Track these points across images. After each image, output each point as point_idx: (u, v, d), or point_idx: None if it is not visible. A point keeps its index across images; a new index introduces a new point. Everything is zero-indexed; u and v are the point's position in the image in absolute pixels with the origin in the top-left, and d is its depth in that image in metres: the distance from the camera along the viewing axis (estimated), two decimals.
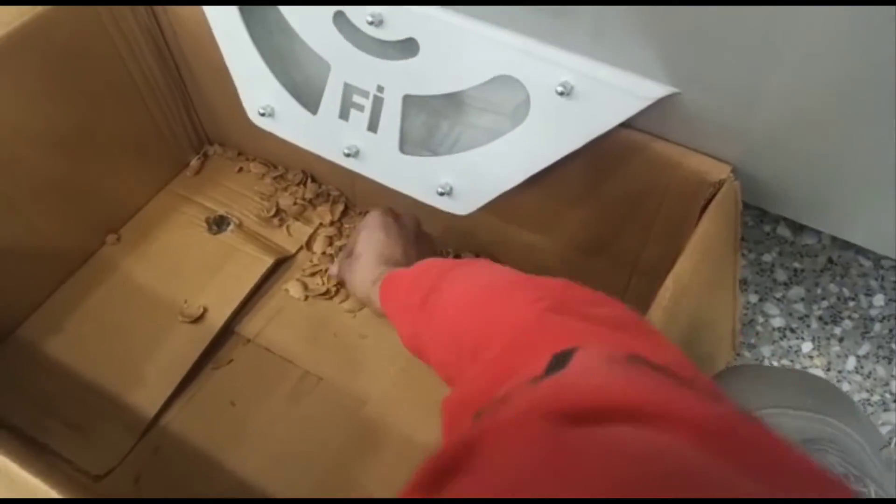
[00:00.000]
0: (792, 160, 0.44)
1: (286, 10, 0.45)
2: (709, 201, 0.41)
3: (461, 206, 0.45)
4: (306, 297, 0.62)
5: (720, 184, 0.41)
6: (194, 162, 0.70)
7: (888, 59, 0.33)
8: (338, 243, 0.64)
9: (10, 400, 0.55)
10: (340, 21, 0.43)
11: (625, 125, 0.41)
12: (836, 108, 0.38)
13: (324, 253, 0.64)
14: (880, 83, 0.35)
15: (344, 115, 0.46)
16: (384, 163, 0.46)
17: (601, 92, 0.37)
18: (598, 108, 0.38)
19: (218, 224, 0.66)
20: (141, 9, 0.57)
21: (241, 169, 0.70)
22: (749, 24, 0.34)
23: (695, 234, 0.39)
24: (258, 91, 0.49)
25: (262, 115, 0.49)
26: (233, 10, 0.46)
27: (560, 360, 0.21)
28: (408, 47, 0.42)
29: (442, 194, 0.44)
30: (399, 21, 0.42)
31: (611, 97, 0.37)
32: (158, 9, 0.57)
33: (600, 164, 0.43)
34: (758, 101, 0.38)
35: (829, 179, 0.46)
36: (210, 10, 0.48)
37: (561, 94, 0.38)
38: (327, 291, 0.62)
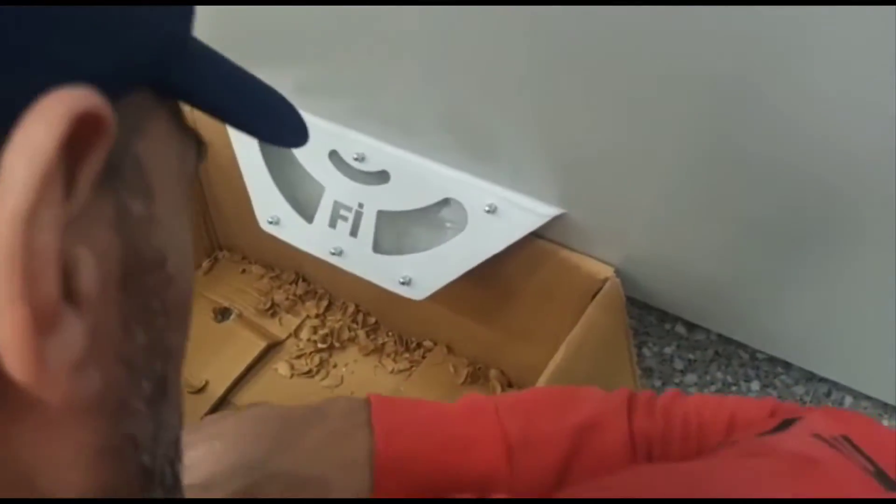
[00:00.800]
0: (667, 268, 0.59)
1: (296, 148, 0.61)
2: (596, 294, 0.56)
3: (417, 293, 0.59)
4: (292, 376, 0.74)
5: (604, 281, 0.55)
6: (206, 264, 0.84)
7: (729, 192, 0.48)
8: (321, 332, 0.77)
9: None
10: (334, 157, 0.60)
11: (538, 236, 0.56)
12: (697, 231, 0.53)
13: (309, 339, 0.77)
14: (730, 214, 0.50)
15: (332, 224, 0.61)
16: (361, 260, 0.61)
17: (514, 211, 0.53)
18: (513, 222, 0.54)
19: (222, 314, 0.79)
20: None
21: (244, 270, 0.84)
22: (616, 167, 0.50)
23: (583, 317, 0.53)
24: (268, 205, 0.64)
25: (270, 223, 0.64)
26: (254, 146, 0.63)
27: (785, 424, 0.30)
28: (382, 176, 0.59)
29: (403, 283, 0.59)
30: (376, 158, 0.58)
31: (520, 215, 0.53)
32: None
33: (521, 265, 0.58)
34: (628, 221, 0.54)
35: (707, 286, 0.61)
36: (237, 144, 0.64)
37: (488, 211, 0.54)
38: (309, 371, 0.75)
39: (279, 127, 0.24)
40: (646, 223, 0.53)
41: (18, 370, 0.14)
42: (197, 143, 0.22)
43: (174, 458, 0.22)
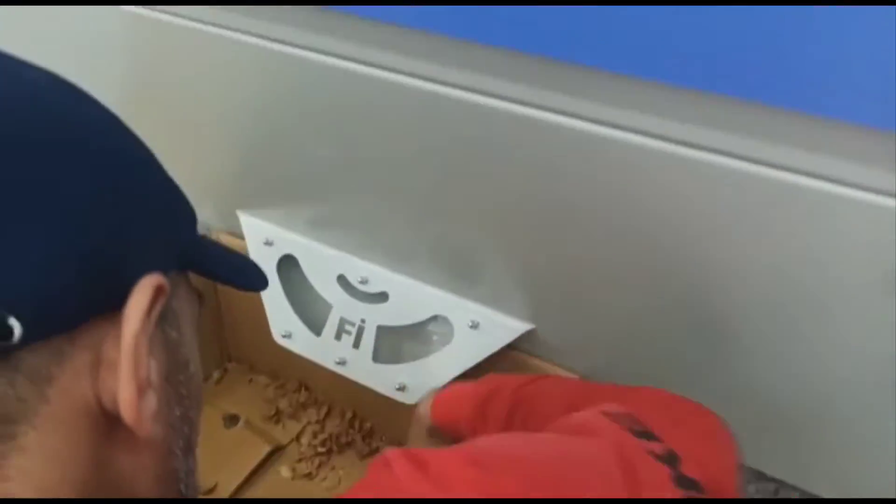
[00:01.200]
0: (626, 378, 0.69)
1: (308, 272, 0.72)
2: None
3: (410, 398, 0.68)
4: (293, 478, 0.81)
5: None
6: (216, 374, 0.93)
7: (675, 312, 0.58)
8: (321, 436, 0.85)
9: None
10: (341, 280, 0.71)
11: (512, 347, 0.66)
12: (650, 347, 0.63)
13: (309, 444, 0.84)
14: (678, 331, 0.60)
15: (338, 337, 0.71)
16: (362, 369, 0.70)
17: (493, 327, 0.64)
18: (492, 336, 0.64)
19: (231, 420, 0.87)
20: None
21: (251, 380, 0.93)
22: (577, 293, 0.61)
23: None
24: (283, 322, 0.74)
25: (284, 337, 0.74)
26: (272, 270, 0.74)
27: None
28: (382, 297, 0.69)
29: (398, 390, 0.68)
30: (378, 281, 0.69)
31: (498, 330, 0.64)
32: None
33: (498, 373, 0.68)
34: (589, 336, 0.64)
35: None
36: None
37: (471, 327, 0.65)
38: (309, 473, 0.82)
39: (247, 279, 0.41)
40: (604, 339, 0.64)
41: (128, 415, 0.27)
42: (199, 297, 0.38)
43: (197, 495, 0.35)
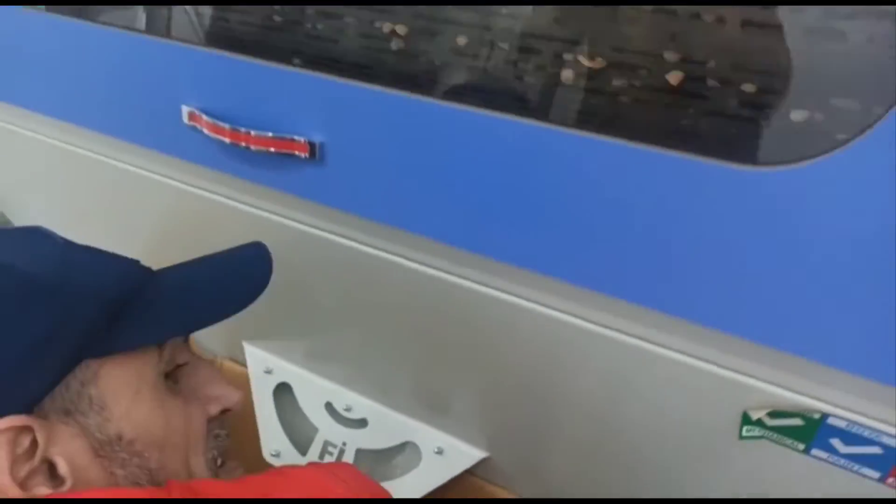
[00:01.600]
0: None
1: (300, 399, 0.84)
2: None
3: None
4: None
5: None
6: None
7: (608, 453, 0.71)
8: None
9: None
10: (328, 406, 0.83)
11: (471, 473, 0.78)
12: (583, 479, 0.76)
13: None
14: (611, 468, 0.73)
15: (321, 457, 0.82)
16: None
17: (454, 453, 0.76)
18: (453, 462, 0.76)
19: None
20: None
21: None
22: (527, 430, 0.73)
23: None
24: (272, 441, 0.85)
25: (273, 455, 0.85)
26: (269, 396, 0.86)
27: None
28: (362, 423, 0.82)
29: None
30: (360, 409, 0.82)
31: (459, 456, 0.76)
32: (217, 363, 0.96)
33: (456, 494, 0.79)
34: (536, 467, 0.76)
35: None
36: (256, 397, 0.87)
37: (436, 452, 0.77)
38: None
39: (215, 308, 0.43)
40: (548, 470, 0.76)
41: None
42: (158, 346, 0.42)
43: None
